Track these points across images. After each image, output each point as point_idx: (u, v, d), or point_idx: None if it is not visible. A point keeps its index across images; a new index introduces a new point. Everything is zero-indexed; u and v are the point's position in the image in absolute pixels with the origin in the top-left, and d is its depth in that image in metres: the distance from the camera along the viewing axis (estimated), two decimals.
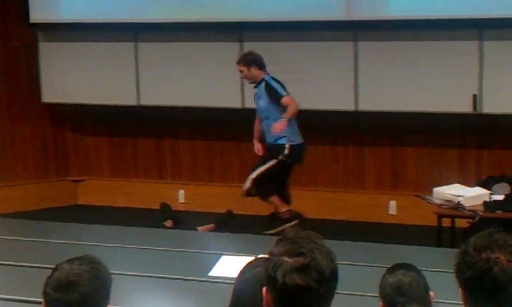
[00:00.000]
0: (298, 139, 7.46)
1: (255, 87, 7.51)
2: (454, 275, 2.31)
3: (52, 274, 2.47)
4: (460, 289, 2.32)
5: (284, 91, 7.32)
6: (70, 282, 2.41)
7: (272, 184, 7.49)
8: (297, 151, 7.47)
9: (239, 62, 7.46)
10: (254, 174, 7.48)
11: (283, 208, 7.51)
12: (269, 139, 7.47)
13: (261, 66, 7.43)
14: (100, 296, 2.44)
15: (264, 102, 7.45)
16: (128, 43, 8.69)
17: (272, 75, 7.44)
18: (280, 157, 7.40)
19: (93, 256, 2.54)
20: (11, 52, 9.05)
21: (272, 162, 7.42)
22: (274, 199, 7.50)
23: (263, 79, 7.40)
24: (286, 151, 7.39)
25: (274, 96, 7.32)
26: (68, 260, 2.50)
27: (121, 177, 9.30)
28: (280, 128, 7.20)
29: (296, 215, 7.50)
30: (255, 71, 7.41)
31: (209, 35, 8.33)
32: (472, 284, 2.26)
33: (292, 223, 7.38)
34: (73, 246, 5.83)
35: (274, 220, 7.53)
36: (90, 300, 2.41)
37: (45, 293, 2.44)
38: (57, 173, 9.38)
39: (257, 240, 6.36)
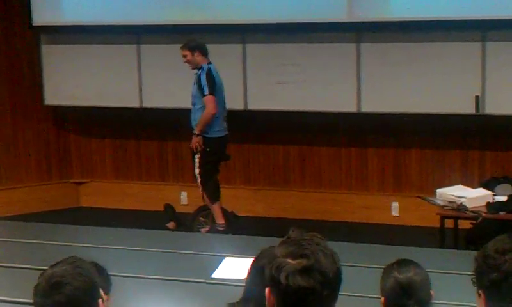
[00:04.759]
0: (214, 132, 7.49)
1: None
2: (472, 279, 2.32)
3: (38, 282, 2.46)
4: (481, 293, 2.33)
5: (207, 90, 7.36)
6: (53, 284, 2.39)
7: (213, 179, 7.58)
8: (212, 144, 7.48)
9: (183, 47, 7.54)
10: (197, 170, 7.56)
11: (221, 221, 7.56)
12: (193, 125, 7.53)
13: (204, 53, 7.52)
14: (87, 295, 2.41)
15: (194, 89, 7.53)
16: (130, 46, 8.70)
17: (211, 66, 7.48)
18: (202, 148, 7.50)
19: (77, 257, 2.52)
20: (13, 54, 9.06)
21: (198, 156, 7.53)
22: (216, 207, 7.59)
23: (202, 67, 7.47)
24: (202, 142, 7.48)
25: (200, 90, 7.41)
26: (51, 265, 2.49)
27: (123, 179, 9.30)
28: (195, 144, 7.40)
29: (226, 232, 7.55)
30: (198, 57, 7.50)
31: (212, 37, 8.31)
32: (497, 286, 2.27)
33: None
34: (76, 248, 5.82)
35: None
36: (77, 299, 2.38)
37: (34, 303, 2.43)
38: (60, 175, 9.39)
39: (260, 241, 6.34)
